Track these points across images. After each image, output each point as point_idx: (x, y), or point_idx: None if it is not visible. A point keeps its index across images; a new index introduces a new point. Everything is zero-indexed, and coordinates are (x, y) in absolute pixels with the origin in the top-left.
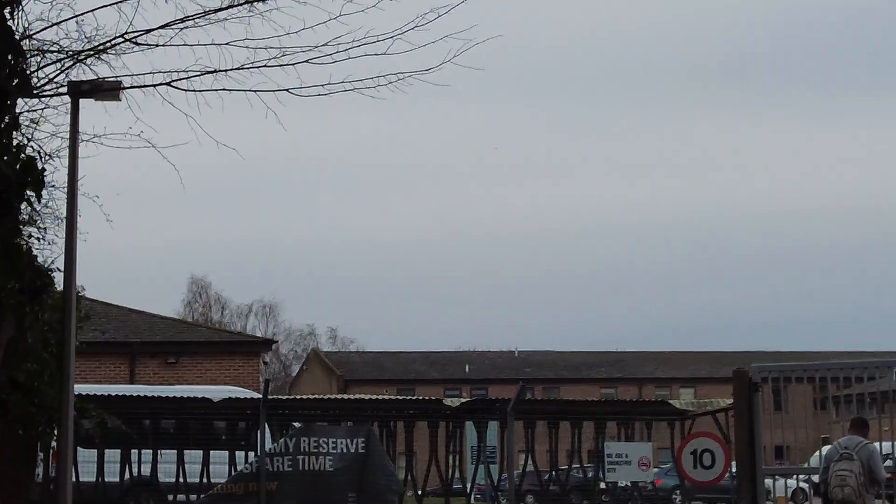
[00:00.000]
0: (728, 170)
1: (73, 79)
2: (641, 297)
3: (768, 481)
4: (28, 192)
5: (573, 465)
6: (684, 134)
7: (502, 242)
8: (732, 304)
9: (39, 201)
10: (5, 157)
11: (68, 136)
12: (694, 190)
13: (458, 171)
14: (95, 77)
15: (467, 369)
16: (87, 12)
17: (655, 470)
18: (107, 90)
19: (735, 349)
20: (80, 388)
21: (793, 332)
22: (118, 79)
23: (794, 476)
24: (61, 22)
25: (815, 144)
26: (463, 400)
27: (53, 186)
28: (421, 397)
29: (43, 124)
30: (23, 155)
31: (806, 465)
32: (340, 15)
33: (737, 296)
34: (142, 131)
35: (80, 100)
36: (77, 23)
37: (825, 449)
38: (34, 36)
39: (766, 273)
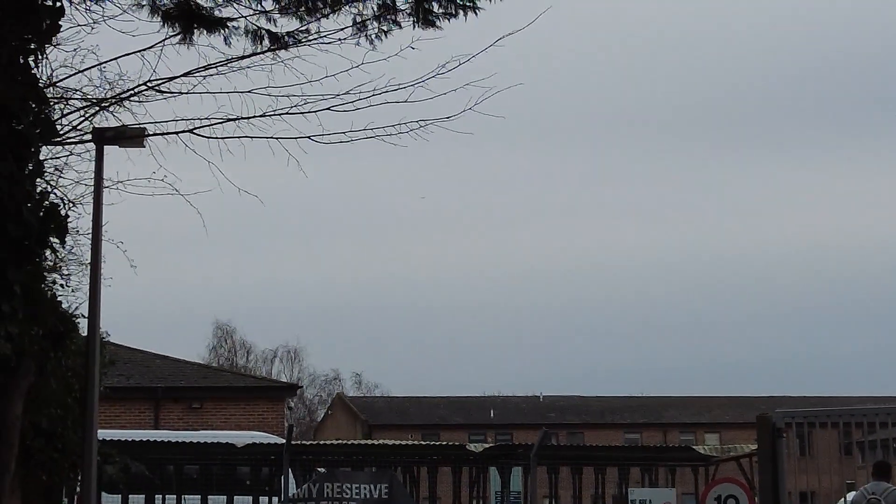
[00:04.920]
0: (750, 214)
1: (97, 125)
2: (666, 342)
3: None
4: (51, 239)
5: None
6: (706, 178)
7: (525, 287)
8: (757, 348)
9: (63, 248)
10: (29, 205)
11: (92, 183)
12: (716, 234)
13: (479, 216)
14: (119, 124)
15: (492, 414)
16: (110, 60)
17: None
18: (131, 137)
19: (760, 394)
20: (105, 434)
21: (817, 377)
22: (142, 126)
23: None
24: (85, 70)
25: (838, 186)
26: (486, 446)
27: (77, 232)
28: (444, 443)
29: (67, 171)
30: (46, 202)
31: None
32: (363, 63)
33: (761, 340)
34: (165, 176)
35: (104, 146)
36: (100, 70)
37: (850, 495)
38: (58, 83)
39: (790, 317)
